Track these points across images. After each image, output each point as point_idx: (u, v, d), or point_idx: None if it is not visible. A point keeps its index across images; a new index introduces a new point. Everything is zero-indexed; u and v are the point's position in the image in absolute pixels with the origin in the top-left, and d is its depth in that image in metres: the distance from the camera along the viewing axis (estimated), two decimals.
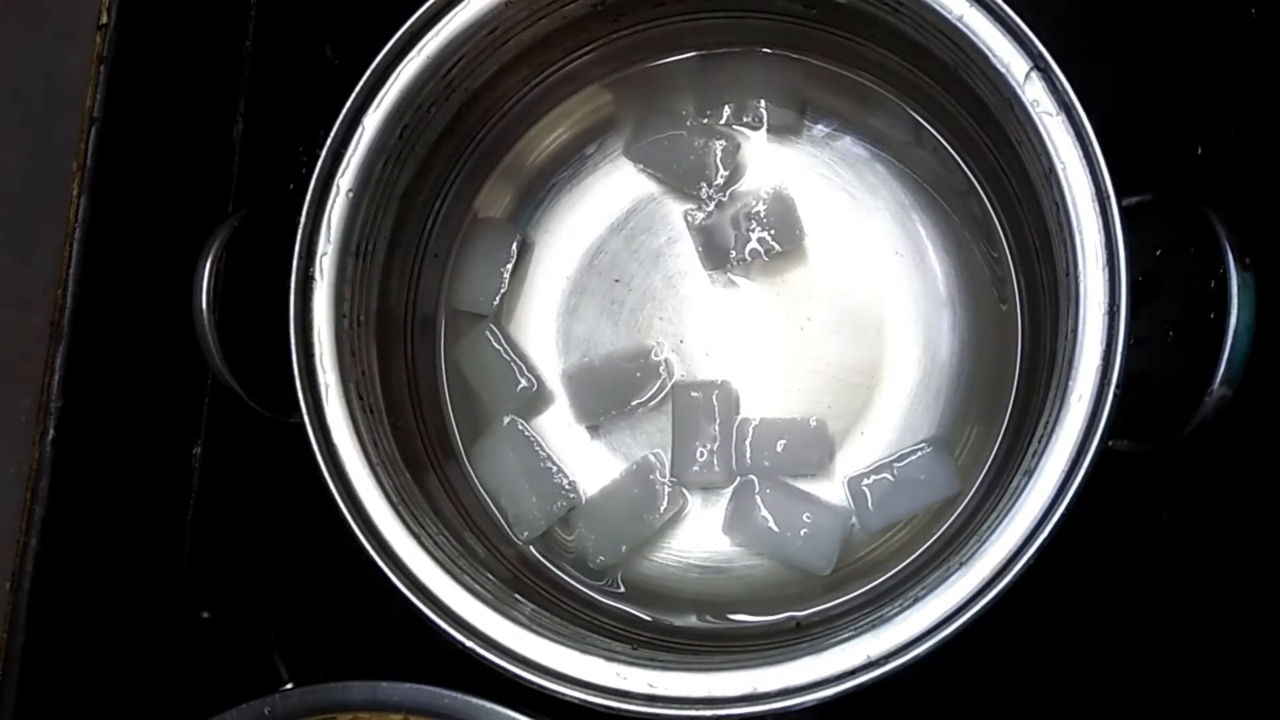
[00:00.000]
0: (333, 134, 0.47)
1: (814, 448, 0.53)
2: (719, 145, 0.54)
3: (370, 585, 0.44)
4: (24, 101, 0.53)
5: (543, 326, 0.56)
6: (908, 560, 0.51)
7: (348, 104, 0.47)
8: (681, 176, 0.55)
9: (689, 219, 0.55)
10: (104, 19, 0.52)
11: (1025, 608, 0.42)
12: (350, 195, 0.47)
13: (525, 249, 0.56)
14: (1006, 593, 0.40)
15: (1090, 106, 0.42)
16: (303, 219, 0.47)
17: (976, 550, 0.41)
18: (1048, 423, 0.42)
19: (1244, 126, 0.55)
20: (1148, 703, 0.54)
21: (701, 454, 0.53)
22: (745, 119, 0.55)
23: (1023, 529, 0.41)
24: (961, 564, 0.41)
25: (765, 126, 0.55)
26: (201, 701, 0.48)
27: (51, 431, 0.50)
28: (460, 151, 0.55)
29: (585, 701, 0.42)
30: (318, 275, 0.47)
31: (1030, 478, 0.41)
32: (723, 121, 0.55)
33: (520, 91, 0.55)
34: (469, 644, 0.43)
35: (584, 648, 0.43)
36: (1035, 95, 0.43)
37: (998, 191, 0.52)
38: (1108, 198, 0.42)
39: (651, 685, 0.42)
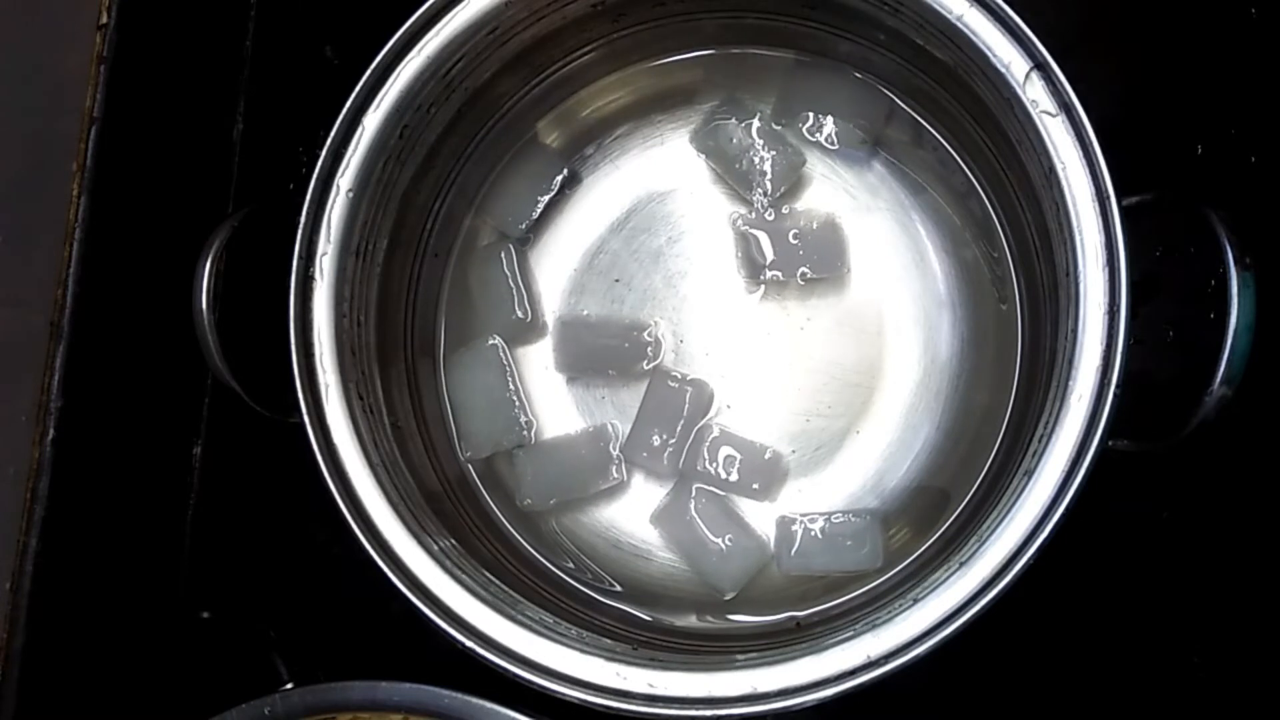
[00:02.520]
0: (333, 134, 0.47)
1: (760, 476, 0.53)
2: (785, 156, 0.54)
3: (370, 585, 0.44)
4: (24, 101, 0.53)
5: (558, 268, 0.56)
6: (908, 560, 0.51)
7: (348, 104, 0.47)
8: (739, 177, 0.55)
9: (735, 223, 0.55)
10: (104, 19, 0.52)
11: (1025, 608, 0.42)
12: (350, 195, 0.47)
13: (568, 188, 0.56)
14: (1006, 593, 0.40)
15: (1090, 106, 0.42)
16: (303, 219, 0.47)
17: (976, 550, 0.41)
18: (1048, 423, 0.42)
19: (1244, 126, 0.55)
20: (1148, 703, 0.54)
21: (656, 442, 0.53)
22: (818, 136, 0.55)
23: (1023, 529, 0.41)
24: (961, 564, 0.41)
25: (836, 149, 0.54)
26: (201, 701, 0.48)
27: (51, 431, 0.50)
28: (460, 151, 0.55)
29: (585, 701, 0.42)
30: (318, 275, 0.47)
31: (1030, 478, 0.41)
32: (797, 133, 0.55)
33: (520, 91, 0.55)
34: (469, 644, 0.43)
35: (584, 648, 0.43)
36: (1035, 95, 0.43)
37: (998, 191, 0.52)
38: (1108, 198, 0.42)
39: (651, 685, 0.42)
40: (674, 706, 0.42)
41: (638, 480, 0.55)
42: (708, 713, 0.41)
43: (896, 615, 0.41)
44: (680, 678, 0.42)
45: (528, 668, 0.43)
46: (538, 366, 0.56)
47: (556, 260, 0.56)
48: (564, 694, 0.42)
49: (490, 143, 0.56)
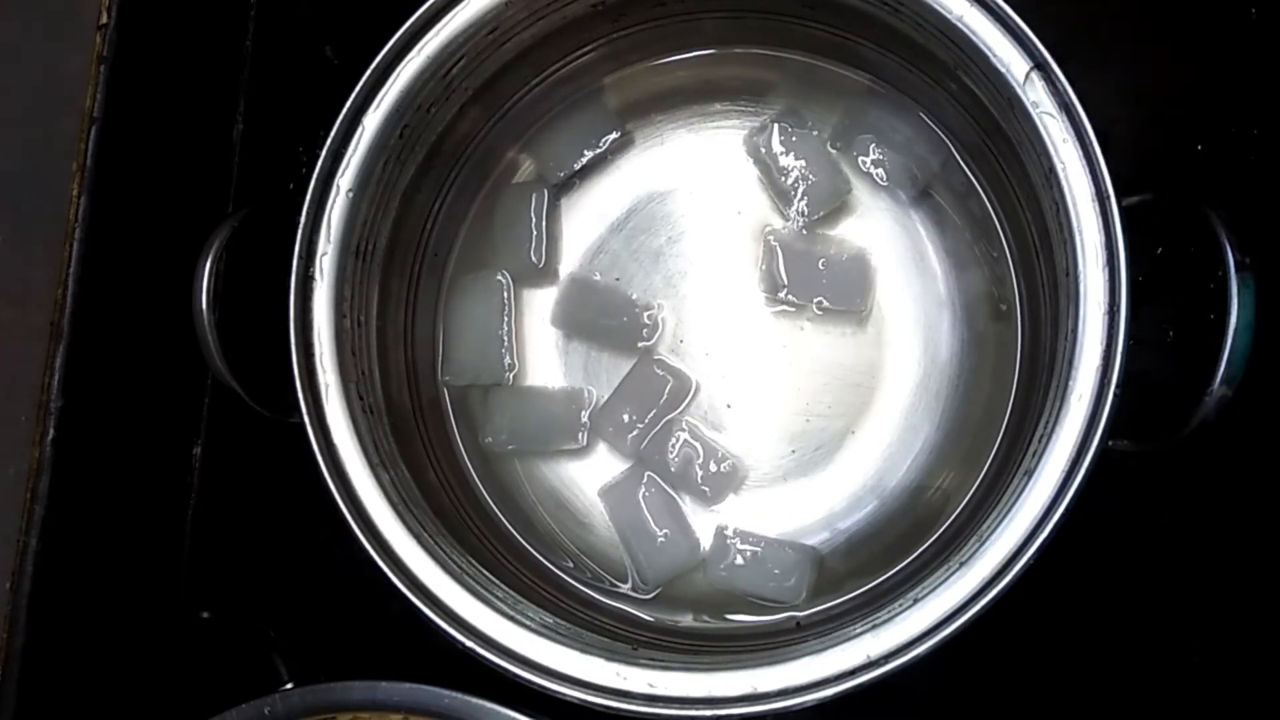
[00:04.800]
0: (333, 134, 0.47)
1: (713, 481, 0.53)
2: (832, 180, 0.54)
3: (370, 585, 0.44)
4: (24, 101, 0.53)
5: (584, 230, 0.56)
6: (908, 560, 0.51)
7: (348, 104, 0.47)
8: (780, 190, 0.54)
9: (767, 236, 0.54)
10: (104, 19, 0.52)
11: (1025, 608, 0.42)
12: (350, 195, 0.47)
13: (614, 154, 0.56)
14: (1006, 593, 0.40)
15: (1090, 106, 0.42)
16: (303, 219, 0.47)
17: (976, 550, 0.41)
18: (1048, 423, 0.42)
19: (1244, 126, 0.55)
20: (1148, 703, 0.54)
21: (625, 420, 0.54)
22: (869, 168, 0.54)
23: (1023, 529, 0.41)
24: (961, 564, 0.41)
25: (885, 185, 0.54)
26: (201, 701, 0.48)
27: (51, 431, 0.50)
28: (461, 151, 0.55)
29: (585, 701, 0.42)
30: (318, 275, 0.47)
31: (1030, 478, 0.41)
32: (850, 161, 0.54)
33: (520, 91, 0.55)
34: (469, 644, 0.43)
35: (584, 648, 0.43)
36: (1035, 96, 0.43)
37: (998, 191, 0.52)
38: (1108, 198, 0.42)
39: (651, 685, 0.42)
40: (674, 706, 0.42)
41: (599, 451, 0.55)
42: (708, 713, 0.41)
43: (896, 615, 0.41)
44: (680, 678, 0.42)
45: (528, 668, 0.43)
46: (537, 315, 0.56)
47: (586, 219, 0.56)
48: (564, 694, 0.42)
49: (491, 143, 0.56)
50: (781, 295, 0.54)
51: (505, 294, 0.55)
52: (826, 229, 0.54)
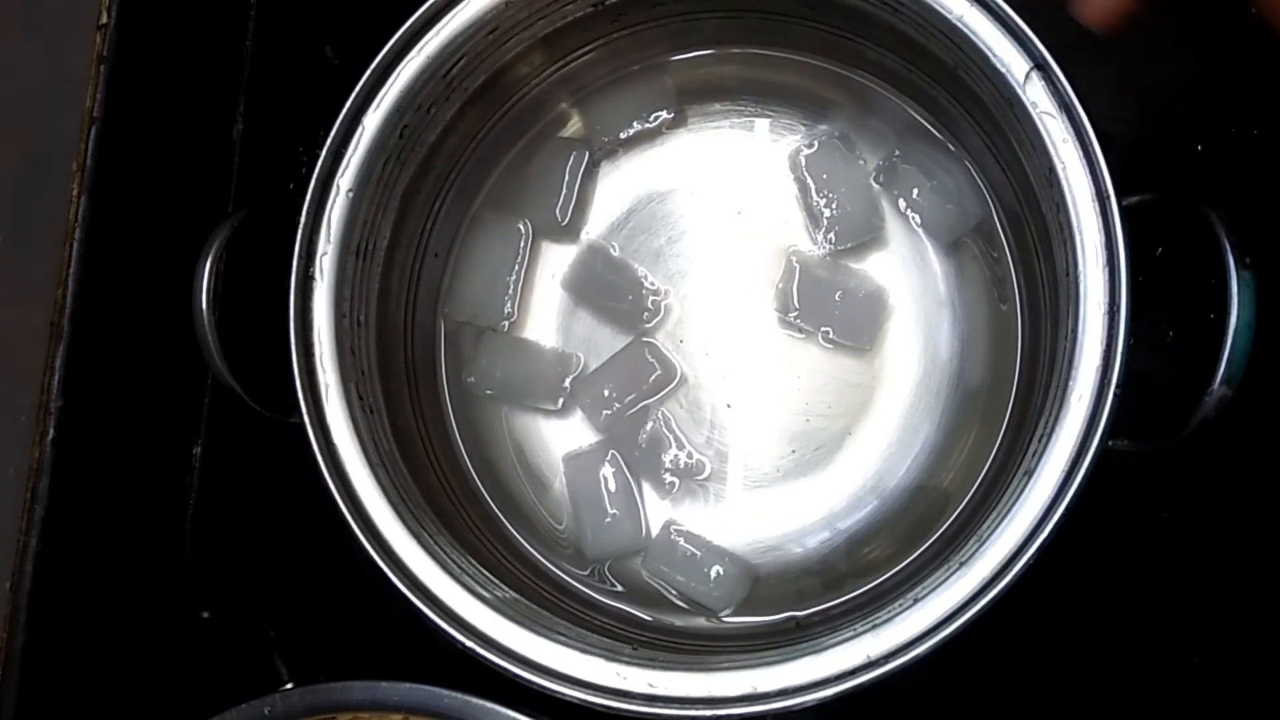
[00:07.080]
0: (333, 134, 0.47)
1: (674, 476, 0.54)
2: (867, 214, 0.53)
3: (370, 585, 0.44)
4: (24, 101, 0.53)
5: (611, 205, 0.56)
6: (908, 560, 0.51)
7: (348, 104, 0.47)
8: (812, 213, 0.54)
9: (790, 255, 0.54)
10: (104, 19, 0.52)
11: (1025, 608, 0.42)
12: (350, 195, 0.47)
13: (667, 129, 0.56)
14: (1006, 593, 0.40)
15: (1090, 107, 0.42)
16: (303, 219, 0.47)
17: (976, 550, 0.41)
18: (1048, 423, 0.42)
19: (1244, 126, 0.55)
20: (1148, 703, 0.54)
21: (605, 394, 0.54)
22: (907, 210, 0.53)
23: (1023, 529, 0.41)
24: (961, 564, 0.41)
25: (919, 231, 0.54)
26: (201, 701, 0.48)
27: (51, 431, 0.50)
28: (461, 151, 0.55)
29: (585, 701, 0.42)
30: (318, 275, 0.47)
31: (1030, 478, 0.41)
32: (890, 198, 0.54)
33: (521, 91, 0.55)
34: (469, 644, 0.43)
35: (584, 648, 0.43)
36: (1035, 95, 0.43)
37: (998, 191, 0.52)
38: (1108, 198, 0.42)
39: (651, 685, 0.42)
40: (674, 706, 0.42)
41: (573, 417, 0.55)
42: (708, 713, 0.41)
43: (896, 615, 0.41)
44: (680, 678, 0.42)
45: (528, 668, 0.43)
46: (547, 271, 0.56)
47: (617, 194, 0.56)
48: (564, 694, 0.42)
49: (491, 143, 0.56)
50: (790, 318, 0.53)
51: (522, 242, 0.55)
52: (851, 259, 0.54)
